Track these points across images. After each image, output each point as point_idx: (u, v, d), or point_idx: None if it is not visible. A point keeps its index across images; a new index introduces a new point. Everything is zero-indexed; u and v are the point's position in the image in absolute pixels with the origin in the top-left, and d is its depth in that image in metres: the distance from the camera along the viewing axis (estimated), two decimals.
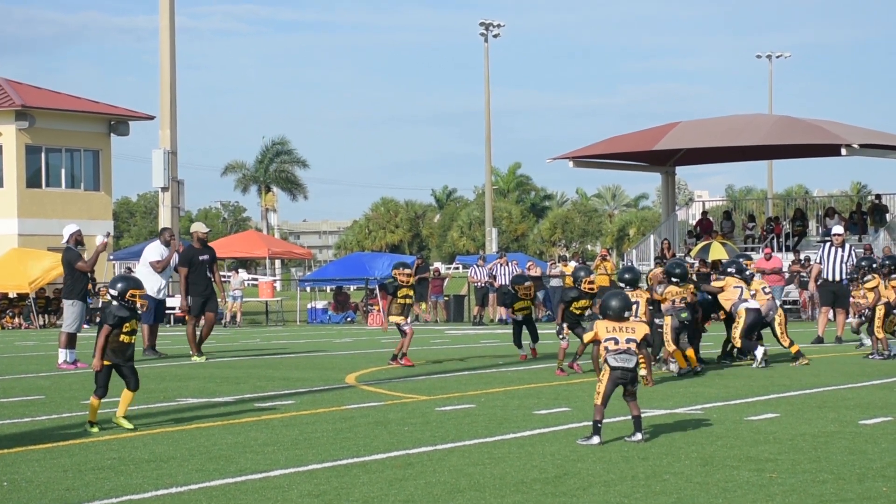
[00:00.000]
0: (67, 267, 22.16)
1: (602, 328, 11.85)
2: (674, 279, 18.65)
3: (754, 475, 9.77)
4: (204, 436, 12.26)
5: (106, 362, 12.90)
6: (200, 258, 23.31)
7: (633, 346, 11.69)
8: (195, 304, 23.17)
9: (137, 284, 13.24)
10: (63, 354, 21.76)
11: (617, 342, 11.72)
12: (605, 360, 11.76)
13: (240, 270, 49.07)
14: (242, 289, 45.92)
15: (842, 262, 25.47)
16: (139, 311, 13.20)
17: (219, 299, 23.76)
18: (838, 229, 25.93)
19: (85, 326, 23.65)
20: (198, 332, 23.25)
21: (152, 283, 23.52)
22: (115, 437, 12.21)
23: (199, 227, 23.71)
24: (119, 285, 13.09)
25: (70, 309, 22.10)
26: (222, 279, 45.05)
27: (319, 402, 15.20)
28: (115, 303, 12.98)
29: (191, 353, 22.95)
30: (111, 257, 55.09)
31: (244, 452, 11.14)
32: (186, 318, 23.55)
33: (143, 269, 23.94)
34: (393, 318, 20.51)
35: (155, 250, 24.04)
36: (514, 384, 17.36)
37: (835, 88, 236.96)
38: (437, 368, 20.47)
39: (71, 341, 21.89)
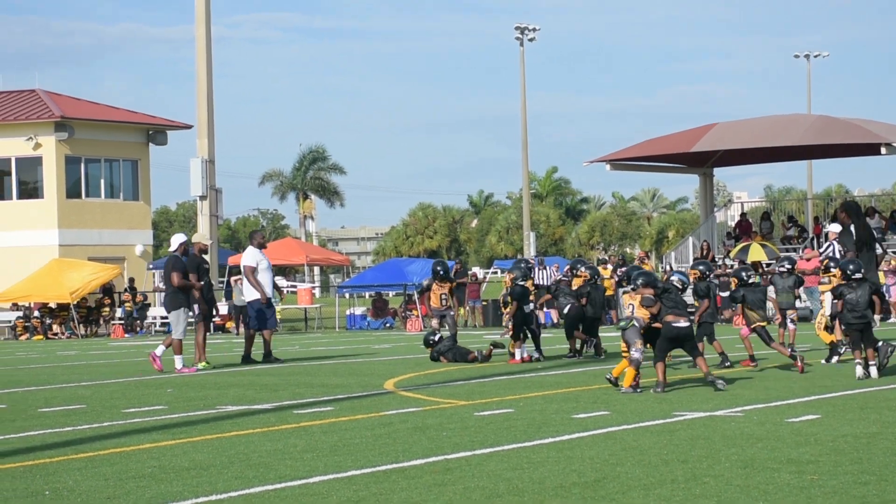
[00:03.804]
0: (168, 275, 22.84)
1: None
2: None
3: (795, 477, 9.71)
4: (243, 443, 12.29)
5: None
6: (204, 266, 23.76)
7: None
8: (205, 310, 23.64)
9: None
10: (179, 361, 22.47)
11: None
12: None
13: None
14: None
15: None
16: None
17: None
18: (834, 227, 25.60)
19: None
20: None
21: (249, 288, 24.28)
22: (155, 446, 12.26)
23: (202, 239, 24.21)
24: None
25: (176, 315, 22.71)
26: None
27: (358, 409, 15.22)
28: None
29: (197, 361, 23.35)
30: (150, 266, 55.35)
31: (283, 459, 11.16)
32: (196, 325, 23.84)
33: (243, 274, 24.58)
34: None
35: (250, 255, 24.42)
36: (553, 388, 17.33)
37: (874, 87, 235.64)
38: (476, 373, 20.47)
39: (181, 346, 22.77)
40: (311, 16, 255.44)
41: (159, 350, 22.82)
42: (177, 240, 23.22)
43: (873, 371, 17.75)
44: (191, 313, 23.05)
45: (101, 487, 9.95)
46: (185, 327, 22.74)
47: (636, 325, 16.44)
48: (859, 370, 17.69)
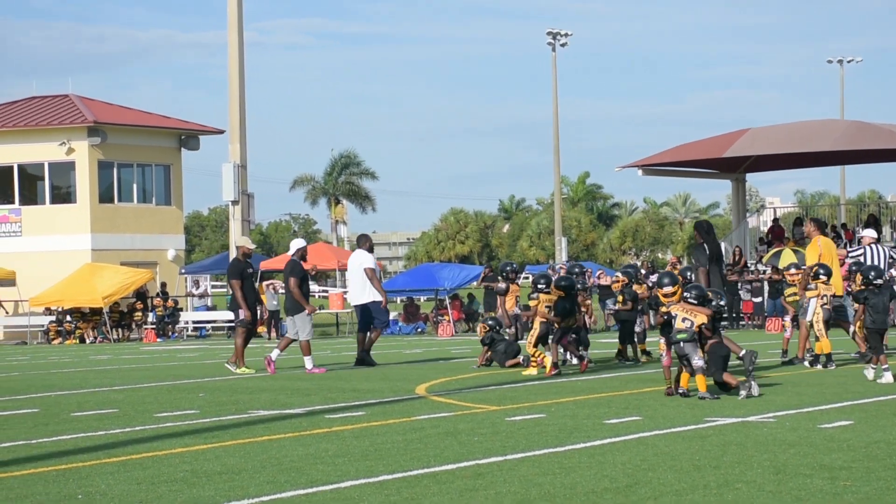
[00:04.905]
0: (287, 279, 23.33)
1: None
2: (539, 286, 21.35)
3: (828, 483, 9.67)
4: (275, 447, 12.32)
5: None
6: (248, 271, 23.81)
7: None
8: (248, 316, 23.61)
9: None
10: (309, 362, 23.07)
11: None
12: None
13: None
14: None
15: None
16: None
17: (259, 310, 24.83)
18: (868, 232, 25.57)
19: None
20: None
21: (372, 291, 24.38)
22: (187, 450, 12.30)
23: (245, 243, 24.42)
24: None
25: (302, 318, 23.18)
26: (279, 292, 45.52)
27: (389, 414, 15.23)
28: None
29: (237, 365, 23.35)
30: (182, 271, 55.51)
31: (315, 464, 11.18)
32: (237, 329, 23.87)
33: (358, 278, 24.47)
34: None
35: (369, 258, 24.63)
36: (584, 393, 17.31)
37: None
38: (507, 378, 20.45)
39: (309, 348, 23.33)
40: (344, 21, 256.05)
41: (274, 354, 23.23)
42: (295, 244, 23.91)
43: (888, 376, 17.89)
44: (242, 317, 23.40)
45: (134, 491, 9.99)
46: (311, 328, 23.31)
47: (695, 337, 16.30)
48: (888, 376, 17.76)
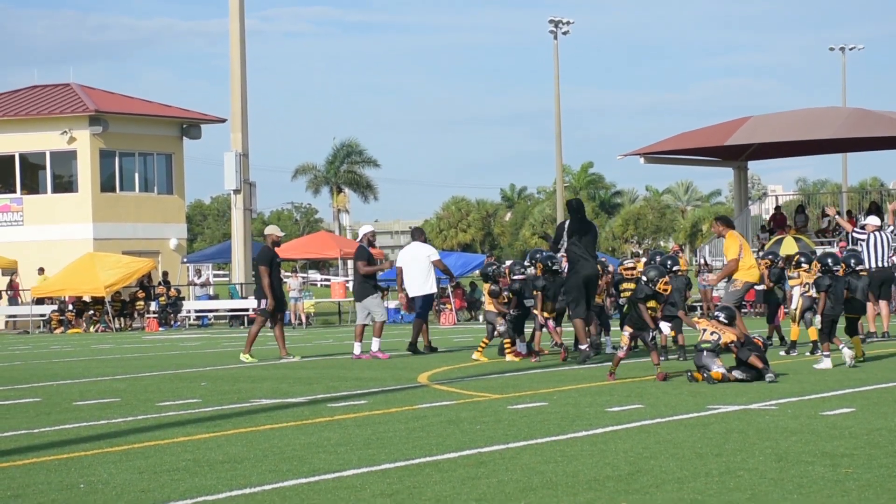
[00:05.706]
0: (355, 265, 23.70)
1: None
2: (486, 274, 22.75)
3: (829, 470, 9.67)
4: (277, 436, 12.33)
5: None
6: (276, 260, 23.72)
7: None
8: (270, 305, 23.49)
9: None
10: (376, 343, 23.22)
11: None
12: None
13: (299, 272, 49.24)
14: (302, 289, 46.17)
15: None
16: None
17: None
18: (871, 220, 25.58)
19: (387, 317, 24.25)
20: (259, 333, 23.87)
21: (433, 283, 24.87)
22: (189, 439, 12.31)
23: (274, 231, 24.20)
24: (652, 273, 17.04)
25: (373, 301, 23.41)
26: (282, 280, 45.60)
27: (392, 402, 15.23)
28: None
29: (243, 352, 23.34)
30: (185, 259, 55.52)
31: (317, 453, 11.18)
32: (254, 317, 23.91)
33: (420, 270, 24.61)
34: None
35: (433, 249, 25.06)
36: (587, 381, 17.31)
37: None
38: (510, 366, 20.46)
39: (380, 330, 23.48)
40: (346, 10, 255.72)
41: (375, 345, 23.22)
42: (363, 230, 24.34)
43: (827, 362, 18.37)
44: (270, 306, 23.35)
45: (136, 480, 9.99)
46: (384, 308, 23.50)
47: (718, 350, 16.72)
48: (827, 362, 18.29)
